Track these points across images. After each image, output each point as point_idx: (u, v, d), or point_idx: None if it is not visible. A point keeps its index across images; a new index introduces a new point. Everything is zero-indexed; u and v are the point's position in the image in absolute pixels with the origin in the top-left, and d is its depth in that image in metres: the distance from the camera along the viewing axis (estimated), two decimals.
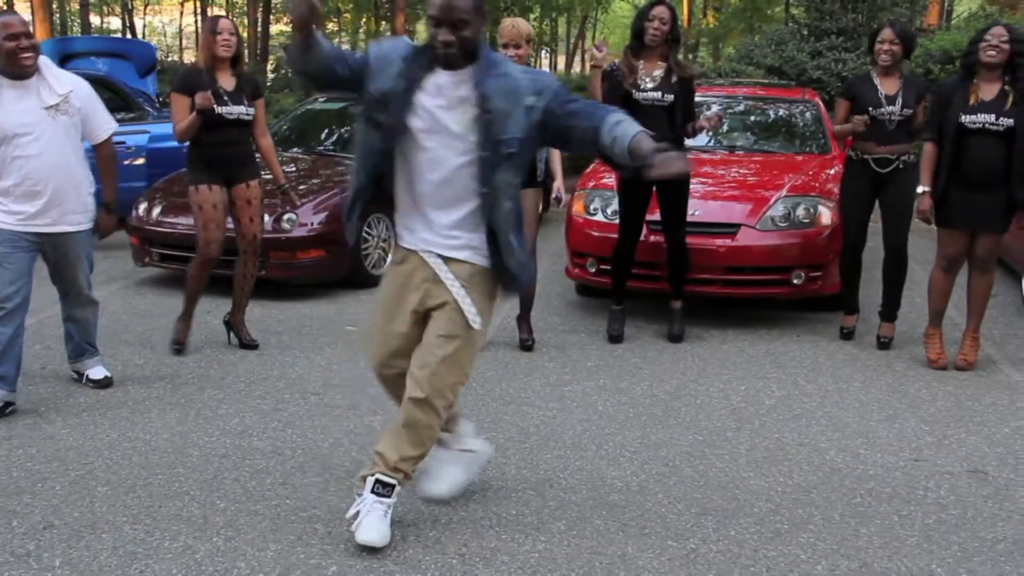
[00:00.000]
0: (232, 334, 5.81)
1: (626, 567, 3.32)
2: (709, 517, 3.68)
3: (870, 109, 5.83)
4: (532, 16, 28.40)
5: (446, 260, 3.31)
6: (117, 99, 9.71)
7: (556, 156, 5.98)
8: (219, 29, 5.35)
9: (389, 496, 3.38)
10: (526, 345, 5.91)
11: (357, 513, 3.38)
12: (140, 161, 9.12)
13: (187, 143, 5.41)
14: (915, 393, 5.20)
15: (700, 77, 5.80)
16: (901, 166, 5.89)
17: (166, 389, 5.06)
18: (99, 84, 9.69)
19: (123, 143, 9.06)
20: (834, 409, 4.93)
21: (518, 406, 4.88)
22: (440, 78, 3.18)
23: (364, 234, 7.42)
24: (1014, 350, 6.00)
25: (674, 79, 5.77)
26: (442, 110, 3.18)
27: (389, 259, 3.80)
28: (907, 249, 5.99)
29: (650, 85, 5.75)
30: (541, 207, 6.04)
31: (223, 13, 34.21)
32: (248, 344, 5.74)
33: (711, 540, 3.51)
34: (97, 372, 5.03)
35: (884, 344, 6.00)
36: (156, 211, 7.29)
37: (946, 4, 23.78)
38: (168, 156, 9.37)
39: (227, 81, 5.39)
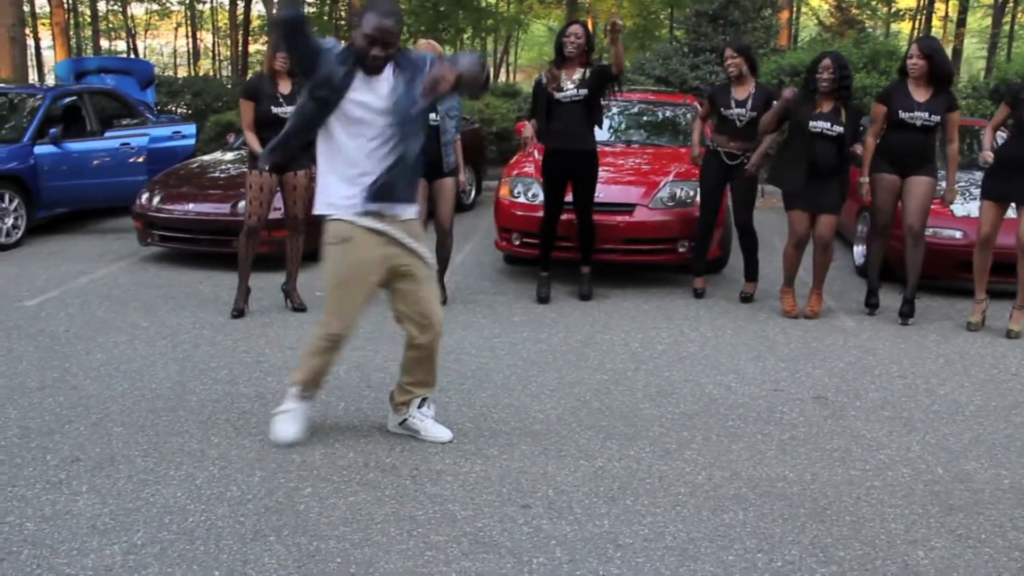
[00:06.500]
0: (287, 299, 5.71)
1: (547, 482, 3.33)
2: (613, 440, 3.71)
3: (722, 110, 5.82)
4: (466, 35, 28.05)
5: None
6: (122, 108, 9.43)
7: (458, 148, 5.77)
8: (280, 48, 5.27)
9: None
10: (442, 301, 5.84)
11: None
12: (141, 159, 8.86)
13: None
14: (774, 337, 5.28)
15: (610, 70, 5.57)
16: (744, 160, 5.89)
17: (168, 347, 4.94)
18: (107, 95, 9.46)
19: (128, 144, 8.80)
20: (711, 352, 4.98)
21: (457, 355, 4.84)
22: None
23: None
24: (848, 302, 6.10)
25: (588, 75, 5.63)
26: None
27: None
28: (753, 225, 5.97)
29: (571, 87, 5.67)
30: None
31: (215, 37, 33.48)
32: (298, 308, 5.63)
33: (615, 459, 3.54)
34: None
35: (746, 298, 6.05)
36: (156, 200, 7.11)
37: (793, 29, 24.19)
38: (165, 154, 9.11)
39: (285, 86, 5.36)
